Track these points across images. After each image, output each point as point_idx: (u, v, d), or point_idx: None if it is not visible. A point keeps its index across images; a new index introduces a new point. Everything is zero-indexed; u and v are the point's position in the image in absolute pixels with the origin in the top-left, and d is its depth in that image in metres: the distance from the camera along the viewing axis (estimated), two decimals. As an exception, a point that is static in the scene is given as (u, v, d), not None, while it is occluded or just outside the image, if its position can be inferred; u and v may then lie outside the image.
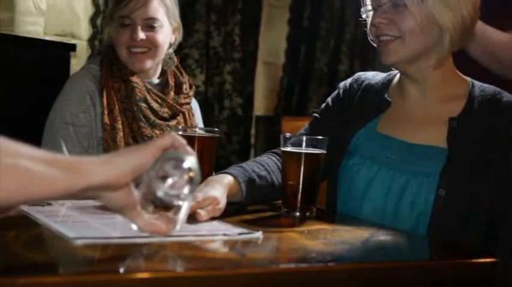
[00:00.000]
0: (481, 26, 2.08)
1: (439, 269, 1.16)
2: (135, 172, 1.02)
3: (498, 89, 1.62)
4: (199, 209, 1.29)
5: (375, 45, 1.62)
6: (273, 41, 4.11)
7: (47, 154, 0.95)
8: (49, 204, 1.37)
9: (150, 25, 2.11)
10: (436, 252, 1.38)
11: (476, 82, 1.64)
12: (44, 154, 0.94)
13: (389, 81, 1.71)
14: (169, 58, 2.23)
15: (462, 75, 1.66)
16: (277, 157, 1.62)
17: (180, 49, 2.33)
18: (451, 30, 1.54)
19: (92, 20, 3.25)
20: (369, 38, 1.64)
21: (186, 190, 1.07)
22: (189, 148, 1.09)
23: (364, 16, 1.64)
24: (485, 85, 1.63)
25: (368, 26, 1.63)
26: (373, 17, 1.59)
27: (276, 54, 4.13)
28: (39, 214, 1.26)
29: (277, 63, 4.14)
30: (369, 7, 1.62)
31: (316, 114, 1.79)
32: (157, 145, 1.06)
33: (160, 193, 1.06)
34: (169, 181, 1.06)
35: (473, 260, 1.21)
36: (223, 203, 1.36)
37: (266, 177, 1.56)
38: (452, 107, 1.59)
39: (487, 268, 1.19)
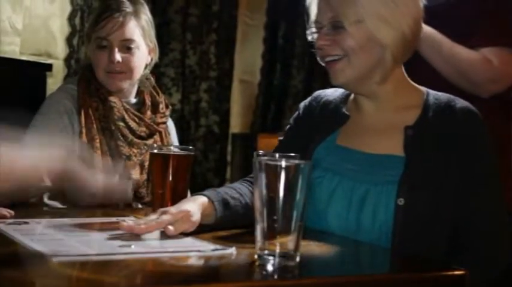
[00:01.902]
0: (448, 44, 2.12)
1: (410, 282, 1.19)
2: None
3: (452, 97, 1.64)
4: (170, 224, 1.31)
5: (323, 64, 1.65)
6: (248, 59, 4.15)
7: None
8: (26, 222, 1.39)
9: (126, 46, 2.13)
10: (406, 266, 1.41)
11: (431, 91, 1.67)
12: None
13: (347, 96, 1.75)
14: (147, 79, 2.26)
15: (416, 86, 1.68)
16: (249, 184, 1.63)
17: (156, 68, 2.35)
18: (392, 46, 1.57)
19: (68, 40, 3.27)
20: (317, 58, 1.67)
21: None
22: None
23: (310, 38, 1.66)
24: (440, 93, 1.66)
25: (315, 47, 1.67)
26: (317, 39, 1.62)
27: (252, 72, 4.17)
28: (15, 232, 1.28)
29: (253, 81, 4.18)
30: (314, 29, 1.64)
31: (281, 138, 1.83)
32: None
33: None
34: None
35: (443, 273, 1.23)
36: (197, 217, 1.38)
37: (239, 199, 1.55)
38: (407, 116, 1.62)
39: (456, 281, 1.21)
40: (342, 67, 1.59)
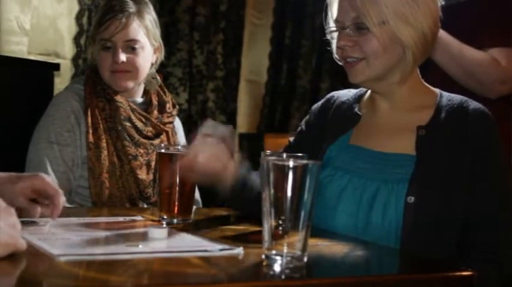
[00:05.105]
0: (456, 44, 2.12)
1: (418, 283, 1.19)
2: None
3: (465, 98, 1.65)
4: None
5: (340, 63, 1.66)
6: (255, 59, 4.15)
7: None
8: (33, 222, 1.39)
9: (131, 47, 2.13)
10: (414, 266, 1.40)
11: (444, 93, 1.68)
12: None
13: (360, 96, 1.76)
14: (153, 78, 2.26)
15: (430, 87, 1.69)
16: None
17: (163, 68, 2.35)
18: (413, 47, 1.57)
19: (76, 40, 3.27)
20: (333, 57, 1.68)
21: None
22: None
23: (328, 37, 1.68)
24: (453, 95, 1.67)
25: (333, 46, 1.67)
26: (338, 39, 1.62)
27: (259, 72, 4.17)
28: (23, 231, 1.27)
29: (260, 81, 4.18)
30: (333, 28, 1.65)
31: (290, 139, 1.83)
32: None
33: None
34: None
35: (451, 274, 1.22)
36: (231, 165, 1.63)
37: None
38: (420, 116, 1.62)
39: (464, 282, 1.21)
40: (361, 68, 1.60)
